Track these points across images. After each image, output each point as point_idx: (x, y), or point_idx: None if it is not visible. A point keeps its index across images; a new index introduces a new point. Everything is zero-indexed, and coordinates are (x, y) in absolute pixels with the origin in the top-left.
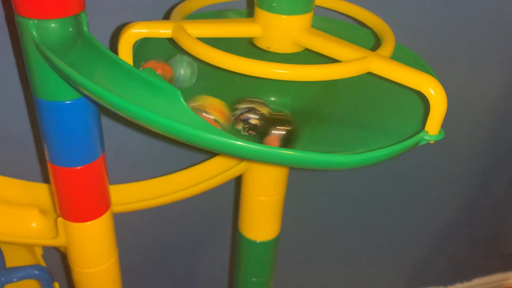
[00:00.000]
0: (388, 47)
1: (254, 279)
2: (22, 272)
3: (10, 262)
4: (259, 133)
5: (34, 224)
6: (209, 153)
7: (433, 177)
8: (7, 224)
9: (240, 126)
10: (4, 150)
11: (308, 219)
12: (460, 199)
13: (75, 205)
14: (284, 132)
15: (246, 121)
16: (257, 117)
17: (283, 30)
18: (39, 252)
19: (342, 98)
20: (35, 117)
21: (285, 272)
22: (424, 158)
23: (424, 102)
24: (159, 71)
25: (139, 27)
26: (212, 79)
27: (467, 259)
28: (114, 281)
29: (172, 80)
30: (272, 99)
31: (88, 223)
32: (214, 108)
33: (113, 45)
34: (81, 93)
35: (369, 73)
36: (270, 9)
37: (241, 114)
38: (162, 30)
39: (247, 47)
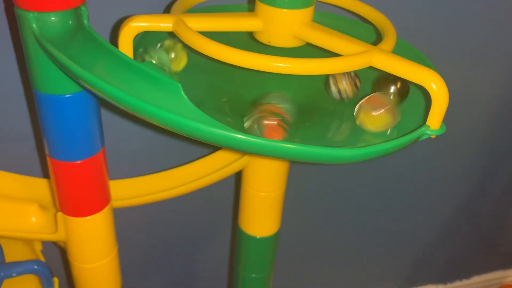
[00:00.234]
0: (389, 41)
1: (253, 275)
2: (21, 267)
3: (9, 257)
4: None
5: (33, 219)
6: (210, 147)
7: (432, 175)
8: (6, 219)
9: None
10: (3, 144)
11: (308, 215)
12: (460, 197)
13: (75, 200)
14: (275, 123)
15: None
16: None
17: (284, 24)
18: (38, 247)
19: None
20: (34, 111)
21: (285, 268)
22: (424, 156)
23: (425, 96)
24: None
25: (139, 21)
26: (213, 74)
27: (467, 257)
28: (114, 276)
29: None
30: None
31: (88, 217)
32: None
33: (114, 39)
34: (82, 86)
35: (371, 68)
36: (271, 3)
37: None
38: (163, 23)
39: (248, 41)
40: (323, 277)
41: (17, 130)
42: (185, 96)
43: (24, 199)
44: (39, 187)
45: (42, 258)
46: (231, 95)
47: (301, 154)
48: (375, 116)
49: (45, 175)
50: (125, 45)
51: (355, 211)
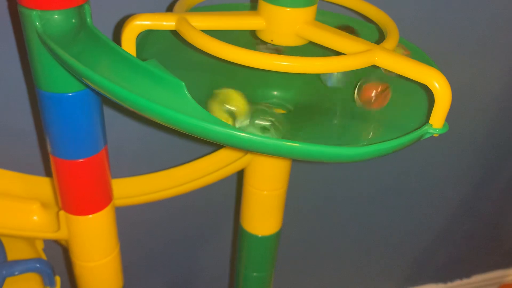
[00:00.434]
0: (392, 40)
1: (255, 274)
2: (23, 266)
3: (11, 256)
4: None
5: (35, 217)
6: (212, 146)
7: (433, 174)
8: (8, 217)
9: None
10: (5, 143)
11: (309, 214)
12: (460, 196)
13: (77, 198)
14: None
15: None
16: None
17: (287, 23)
18: (40, 246)
19: (346, 92)
20: (37, 110)
21: (286, 267)
22: (424, 156)
23: (428, 95)
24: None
25: (142, 19)
26: (216, 72)
27: (467, 256)
28: (116, 275)
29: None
30: (275, 93)
31: (90, 216)
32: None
33: (116, 37)
34: (85, 84)
35: (373, 66)
36: (274, 1)
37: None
38: (166, 22)
39: (251, 40)
40: (324, 275)
41: (20, 128)
42: (188, 95)
43: (26, 198)
44: (41, 185)
45: (44, 257)
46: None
47: (303, 153)
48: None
49: (47, 173)
50: (128, 43)
51: (356, 210)
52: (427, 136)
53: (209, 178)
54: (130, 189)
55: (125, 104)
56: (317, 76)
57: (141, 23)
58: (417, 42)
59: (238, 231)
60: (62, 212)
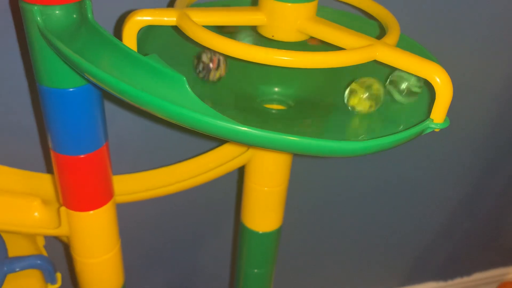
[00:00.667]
0: (393, 35)
1: (256, 270)
2: (24, 262)
3: (12, 252)
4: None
5: (36, 214)
6: (213, 142)
7: (433, 172)
8: (9, 214)
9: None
10: (7, 140)
11: (310, 211)
12: (461, 194)
13: (78, 194)
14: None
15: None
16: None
17: (288, 18)
18: (41, 242)
19: (347, 86)
20: (38, 106)
21: (287, 264)
22: (424, 153)
23: (429, 90)
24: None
25: (143, 15)
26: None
27: (467, 254)
28: (116, 271)
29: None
30: (276, 89)
31: (91, 212)
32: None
33: (117, 33)
34: (87, 79)
35: (374, 62)
36: None
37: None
38: (167, 17)
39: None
40: (325, 272)
41: (21, 124)
42: (189, 89)
43: (27, 194)
44: (42, 182)
45: (45, 253)
46: (234, 88)
47: (304, 147)
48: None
49: (48, 170)
50: (129, 38)
51: (356, 207)
52: (428, 131)
53: (210, 175)
54: (131, 185)
55: (126, 98)
56: (318, 71)
57: (142, 18)
58: (418, 38)
59: (239, 228)
60: (63, 208)
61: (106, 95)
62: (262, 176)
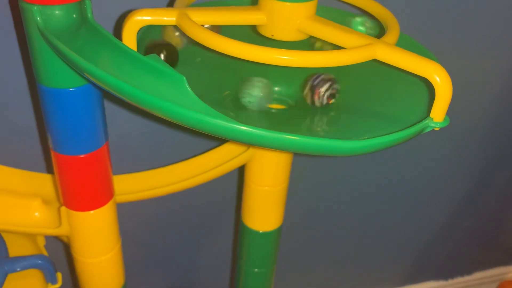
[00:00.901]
0: (393, 34)
1: (256, 270)
2: (25, 262)
3: (13, 252)
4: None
5: (36, 214)
6: (213, 142)
7: (433, 171)
8: (10, 214)
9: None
10: (7, 140)
11: (310, 210)
12: (461, 193)
13: (78, 194)
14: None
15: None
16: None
17: (287, 17)
18: (41, 242)
19: (346, 86)
20: (38, 106)
21: (287, 263)
22: (424, 152)
23: (429, 89)
24: None
25: (143, 14)
26: (216, 67)
27: (468, 253)
28: (117, 271)
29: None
30: (276, 88)
31: (91, 212)
32: None
33: (117, 32)
34: (86, 79)
35: (374, 61)
36: None
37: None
38: (166, 17)
39: (252, 35)
40: (325, 271)
41: (21, 124)
42: (189, 89)
43: (28, 194)
44: (42, 182)
45: (45, 253)
46: (233, 88)
47: (304, 146)
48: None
49: (49, 170)
50: (129, 38)
51: (356, 206)
52: (428, 129)
53: (210, 174)
54: (131, 185)
55: (126, 98)
56: (318, 70)
57: (142, 18)
58: (418, 37)
59: (239, 227)
60: (63, 208)
61: (106, 95)
62: (262, 175)
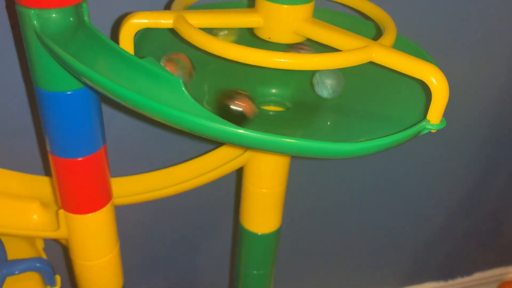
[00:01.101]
0: (389, 36)
1: (255, 272)
2: (23, 265)
3: (11, 255)
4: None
5: (35, 217)
6: (211, 144)
7: (433, 172)
8: (8, 217)
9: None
10: (5, 142)
11: (309, 212)
12: (460, 193)
13: (76, 197)
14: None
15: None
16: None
17: (284, 20)
18: (40, 245)
19: (344, 88)
20: (36, 109)
21: (286, 265)
22: (424, 153)
23: (426, 91)
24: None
25: (140, 17)
26: (213, 70)
27: (468, 254)
28: (116, 273)
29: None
30: (273, 91)
31: (90, 215)
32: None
33: (114, 36)
34: (83, 83)
35: (371, 63)
36: None
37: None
38: (163, 20)
39: (248, 38)
40: (325, 273)
41: (19, 127)
42: (186, 92)
43: (26, 197)
44: (41, 184)
45: (44, 256)
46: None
47: (302, 149)
48: None
49: (47, 172)
50: (126, 41)
51: (355, 207)
52: (425, 132)
53: (208, 176)
54: (129, 188)
55: (123, 102)
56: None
57: (139, 21)
58: (415, 38)
59: (237, 229)
60: (61, 211)
61: (104, 98)
62: (260, 177)
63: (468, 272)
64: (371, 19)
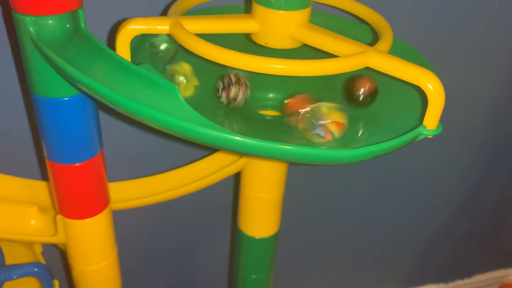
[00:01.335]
0: (386, 42)
1: (253, 276)
2: (21, 270)
3: (9, 260)
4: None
5: (33, 222)
6: (208, 149)
7: (433, 173)
8: (6, 222)
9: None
10: (2, 148)
11: (307, 216)
12: (460, 196)
13: (74, 202)
14: None
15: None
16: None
17: (281, 25)
18: (38, 249)
19: (340, 94)
20: (33, 115)
21: (285, 269)
22: (424, 155)
23: (422, 96)
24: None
25: (137, 23)
26: (211, 75)
27: (468, 256)
28: (114, 278)
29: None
30: (271, 95)
31: (87, 220)
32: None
33: (111, 42)
34: (79, 89)
35: (367, 68)
36: (268, 4)
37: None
38: (160, 26)
39: (245, 43)
40: (323, 277)
41: (16, 133)
42: (182, 98)
43: (24, 202)
44: (38, 189)
45: (42, 261)
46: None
47: (298, 155)
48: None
49: (44, 177)
50: (123, 47)
51: (354, 211)
52: (421, 137)
53: (206, 181)
54: (127, 193)
55: (118, 108)
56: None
57: (136, 27)
58: (412, 42)
59: (236, 233)
60: (59, 216)
61: (101, 104)
62: (258, 182)
63: (468, 274)
64: (368, 23)
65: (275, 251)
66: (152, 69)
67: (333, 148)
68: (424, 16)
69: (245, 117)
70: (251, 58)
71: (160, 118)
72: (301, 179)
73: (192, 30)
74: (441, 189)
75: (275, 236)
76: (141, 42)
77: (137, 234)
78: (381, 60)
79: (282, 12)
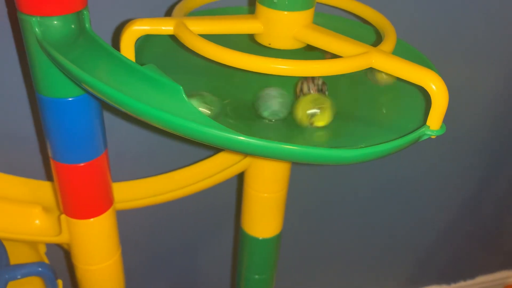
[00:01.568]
0: (389, 42)
1: (256, 276)
2: (25, 269)
3: (13, 259)
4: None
5: (37, 221)
6: (212, 149)
7: (434, 174)
8: (10, 222)
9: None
10: (7, 148)
11: (310, 216)
12: (463, 197)
13: (78, 202)
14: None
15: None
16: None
17: (284, 26)
18: (42, 249)
19: (343, 93)
20: (38, 115)
21: (287, 269)
22: (426, 156)
23: (425, 97)
24: None
25: (141, 24)
26: (215, 76)
27: (470, 257)
28: (117, 278)
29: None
30: None
31: (91, 220)
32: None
33: (115, 42)
34: (84, 89)
35: (371, 69)
36: (271, 5)
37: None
38: (164, 27)
39: (249, 44)
40: (326, 277)
41: (21, 133)
42: (186, 99)
43: (28, 202)
44: (43, 189)
45: (46, 260)
46: (233, 97)
47: (302, 155)
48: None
49: (49, 177)
50: (127, 48)
51: (357, 211)
52: (425, 138)
53: (210, 181)
54: (131, 193)
55: (123, 108)
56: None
57: (140, 28)
58: (415, 43)
59: (239, 234)
60: (63, 216)
61: (105, 104)
62: (261, 182)
63: (471, 275)
64: (371, 24)
65: (278, 251)
66: (157, 70)
67: (337, 148)
68: (426, 16)
69: (249, 118)
70: (255, 58)
71: (165, 118)
72: (304, 179)
73: (196, 31)
74: (443, 189)
75: (278, 237)
76: (145, 43)
77: (139, 234)
78: (385, 61)
79: (285, 13)
